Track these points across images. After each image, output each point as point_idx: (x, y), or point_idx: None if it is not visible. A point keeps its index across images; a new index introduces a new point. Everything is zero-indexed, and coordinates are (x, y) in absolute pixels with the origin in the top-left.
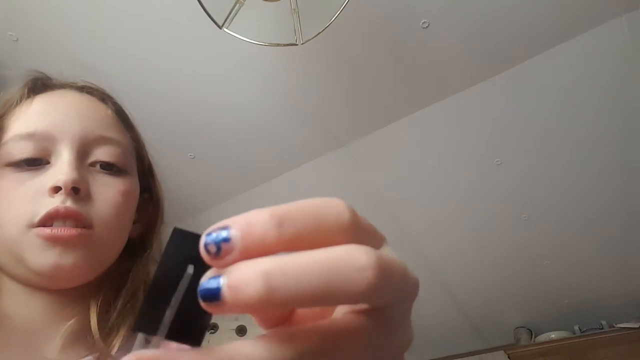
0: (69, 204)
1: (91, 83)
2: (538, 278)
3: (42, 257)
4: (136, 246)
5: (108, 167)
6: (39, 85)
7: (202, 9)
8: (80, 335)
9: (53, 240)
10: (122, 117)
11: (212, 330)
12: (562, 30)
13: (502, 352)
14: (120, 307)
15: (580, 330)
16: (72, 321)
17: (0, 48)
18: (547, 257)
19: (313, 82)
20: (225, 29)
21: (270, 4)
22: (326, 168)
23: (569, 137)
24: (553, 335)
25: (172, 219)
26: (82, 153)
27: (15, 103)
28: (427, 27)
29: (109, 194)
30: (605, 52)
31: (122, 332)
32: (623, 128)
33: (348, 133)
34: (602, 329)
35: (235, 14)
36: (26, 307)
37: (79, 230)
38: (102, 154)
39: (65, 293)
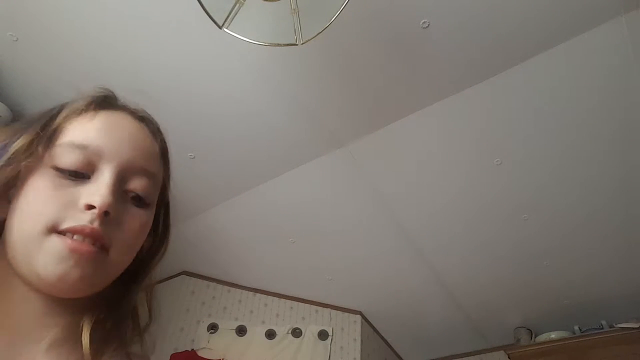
0: (96, 224)
1: (150, 116)
2: (538, 278)
3: (53, 264)
4: (135, 268)
5: (138, 199)
6: (106, 102)
7: (202, 9)
8: (62, 347)
9: (71, 251)
10: (163, 154)
11: (212, 331)
12: (562, 30)
13: (502, 352)
14: (108, 329)
15: (580, 330)
16: (56, 329)
17: (0, 48)
18: (547, 257)
19: (313, 82)
20: (225, 29)
21: (270, 4)
22: (326, 168)
23: (569, 136)
24: (553, 335)
25: (173, 219)
26: (121, 178)
27: (78, 111)
28: (427, 27)
29: (131, 224)
30: (605, 51)
31: (106, 356)
32: (623, 128)
33: (348, 133)
34: (602, 329)
35: (235, 14)
36: (20, 305)
37: (95, 249)
38: (137, 185)
39: (58, 301)
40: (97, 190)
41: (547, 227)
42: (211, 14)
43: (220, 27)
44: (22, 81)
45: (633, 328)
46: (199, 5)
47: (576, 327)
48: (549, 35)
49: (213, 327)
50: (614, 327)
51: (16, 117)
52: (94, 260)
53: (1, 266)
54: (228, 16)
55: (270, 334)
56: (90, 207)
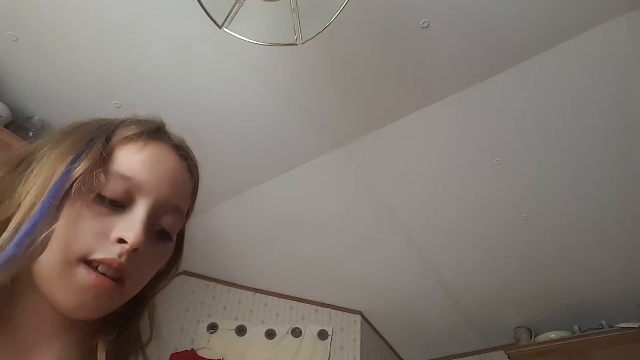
0: (124, 259)
1: (192, 152)
2: (538, 278)
3: (74, 295)
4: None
5: (164, 234)
6: (156, 133)
7: (202, 9)
8: None
9: (94, 286)
10: (194, 190)
11: (212, 331)
12: (562, 30)
13: (502, 352)
14: (118, 349)
15: (580, 330)
16: (63, 346)
17: (0, 48)
18: (547, 257)
19: (313, 82)
20: (225, 29)
21: (270, 4)
22: (326, 168)
23: (569, 136)
24: (553, 335)
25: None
26: (155, 214)
27: (130, 139)
28: (427, 27)
29: (153, 259)
30: (606, 51)
31: None
32: (623, 127)
33: (348, 133)
34: (602, 329)
35: (235, 14)
36: (30, 317)
37: (115, 283)
38: (167, 221)
39: (69, 319)
40: (132, 227)
41: (547, 227)
42: (211, 14)
43: (220, 27)
44: (22, 81)
45: (633, 328)
46: (199, 5)
47: (576, 327)
48: (549, 35)
49: (213, 327)
50: (614, 327)
51: (16, 117)
52: (111, 295)
53: (20, 274)
54: (228, 16)
55: (270, 334)
56: (122, 241)
